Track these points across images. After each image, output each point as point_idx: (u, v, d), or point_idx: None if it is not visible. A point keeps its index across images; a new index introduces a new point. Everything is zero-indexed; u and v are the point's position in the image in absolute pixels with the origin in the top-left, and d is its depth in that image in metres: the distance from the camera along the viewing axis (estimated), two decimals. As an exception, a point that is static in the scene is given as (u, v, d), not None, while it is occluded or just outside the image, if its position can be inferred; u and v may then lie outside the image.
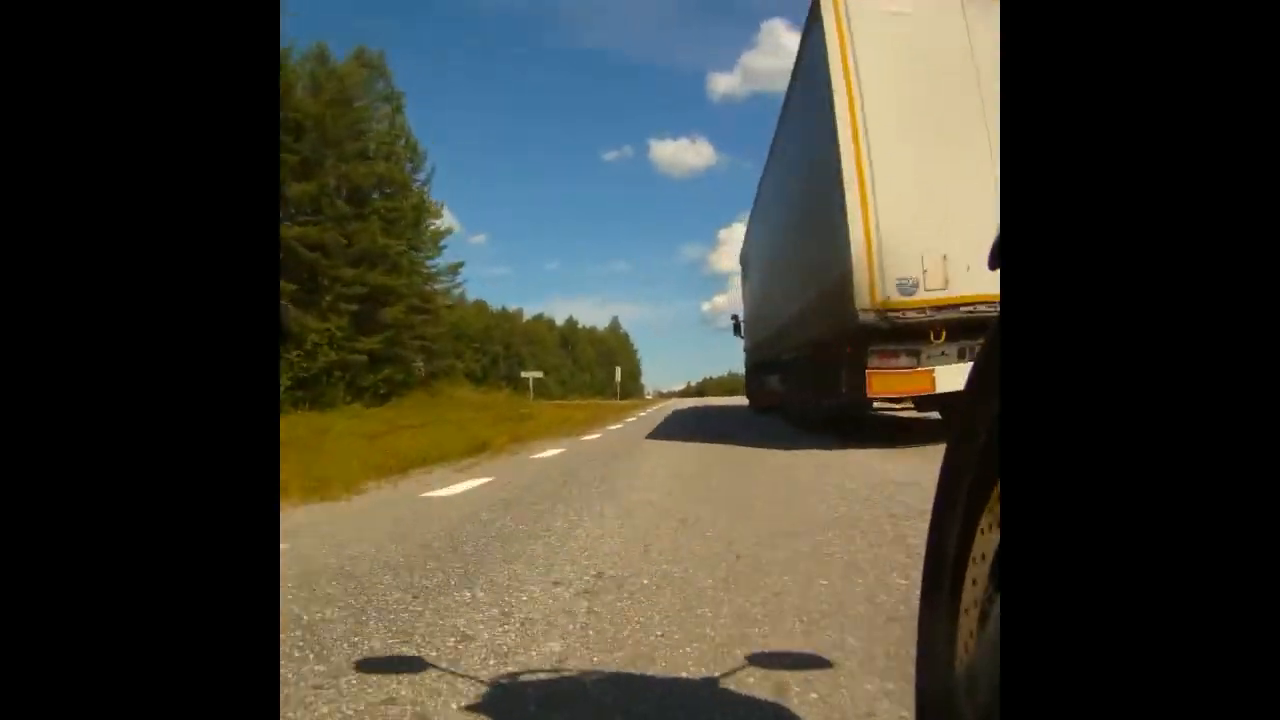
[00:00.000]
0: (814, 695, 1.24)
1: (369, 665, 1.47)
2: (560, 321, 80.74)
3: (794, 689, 1.26)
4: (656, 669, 1.41)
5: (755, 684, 1.30)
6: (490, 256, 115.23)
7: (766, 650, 1.48)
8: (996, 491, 0.55)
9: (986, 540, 0.57)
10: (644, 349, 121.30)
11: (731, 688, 1.29)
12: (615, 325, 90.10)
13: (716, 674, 1.36)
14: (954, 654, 0.60)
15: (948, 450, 0.62)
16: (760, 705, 1.22)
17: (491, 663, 1.47)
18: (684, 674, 1.38)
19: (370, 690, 1.33)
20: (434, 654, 1.54)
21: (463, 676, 1.38)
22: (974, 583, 0.58)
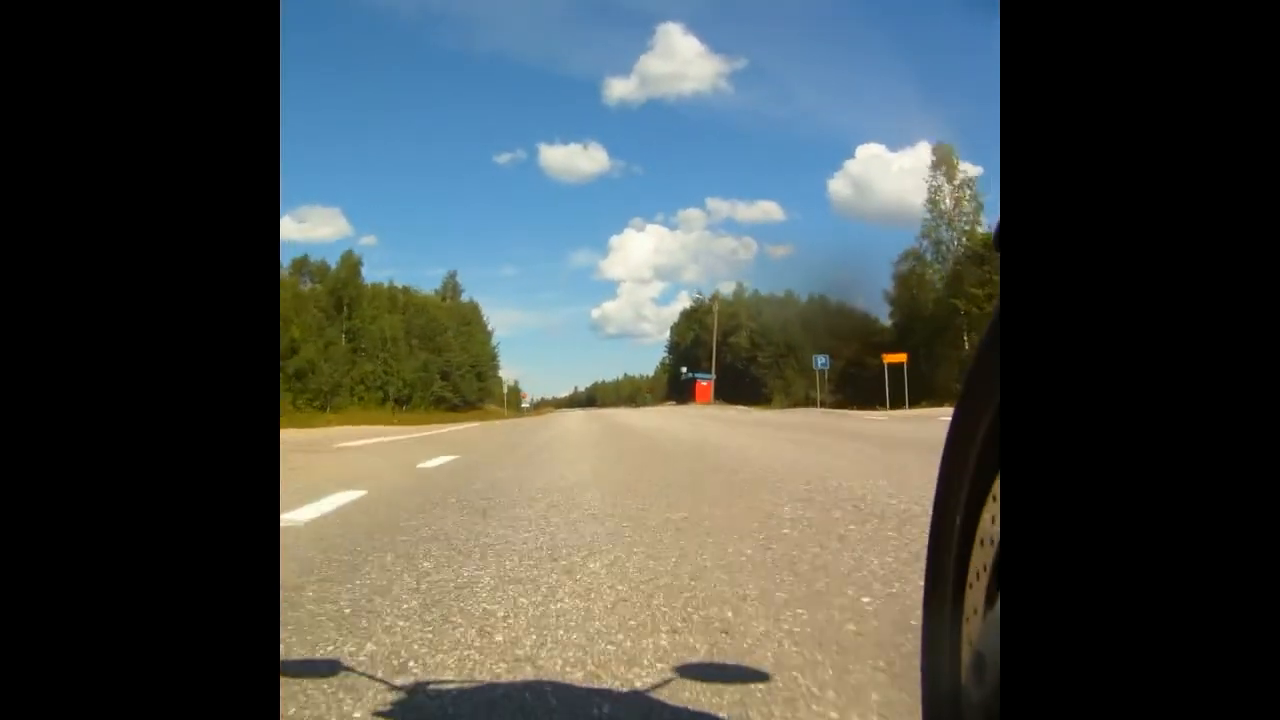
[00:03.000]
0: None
1: None
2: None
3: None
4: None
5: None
6: (381, 260, 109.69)
7: None
8: (997, 486, 0.53)
9: (988, 536, 0.55)
10: (531, 356, 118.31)
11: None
12: (452, 286, 48.85)
13: None
14: (958, 654, 0.58)
15: (946, 444, 0.61)
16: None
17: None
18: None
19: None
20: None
21: None
22: (977, 576, 0.56)
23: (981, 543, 0.57)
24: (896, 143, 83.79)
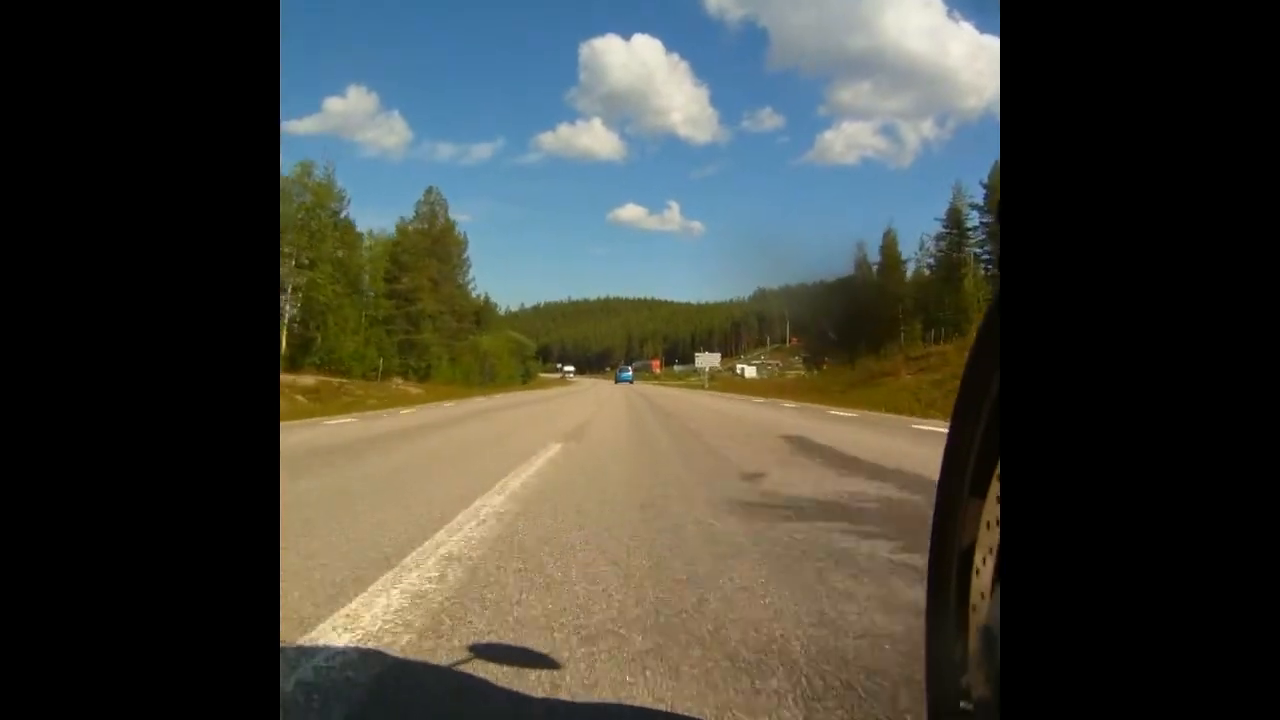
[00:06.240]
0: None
1: None
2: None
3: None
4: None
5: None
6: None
7: None
8: (996, 489, 0.53)
9: (990, 537, 0.55)
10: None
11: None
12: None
13: None
14: (964, 657, 0.57)
15: (946, 446, 0.60)
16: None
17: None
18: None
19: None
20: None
21: None
22: (981, 596, 0.55)
23: (986, 542, 0.57)
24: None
